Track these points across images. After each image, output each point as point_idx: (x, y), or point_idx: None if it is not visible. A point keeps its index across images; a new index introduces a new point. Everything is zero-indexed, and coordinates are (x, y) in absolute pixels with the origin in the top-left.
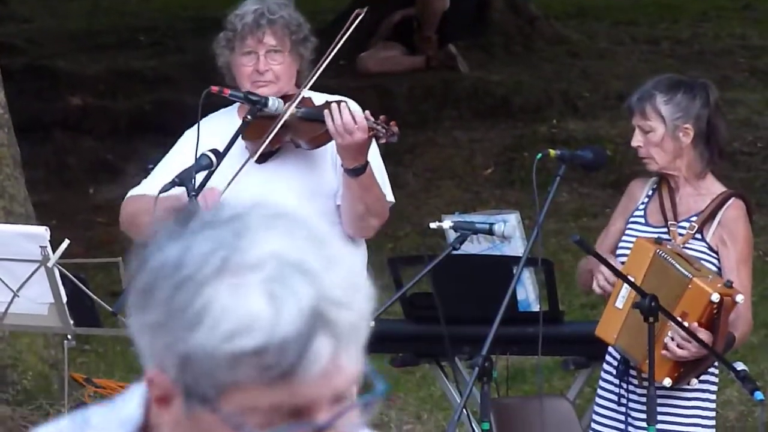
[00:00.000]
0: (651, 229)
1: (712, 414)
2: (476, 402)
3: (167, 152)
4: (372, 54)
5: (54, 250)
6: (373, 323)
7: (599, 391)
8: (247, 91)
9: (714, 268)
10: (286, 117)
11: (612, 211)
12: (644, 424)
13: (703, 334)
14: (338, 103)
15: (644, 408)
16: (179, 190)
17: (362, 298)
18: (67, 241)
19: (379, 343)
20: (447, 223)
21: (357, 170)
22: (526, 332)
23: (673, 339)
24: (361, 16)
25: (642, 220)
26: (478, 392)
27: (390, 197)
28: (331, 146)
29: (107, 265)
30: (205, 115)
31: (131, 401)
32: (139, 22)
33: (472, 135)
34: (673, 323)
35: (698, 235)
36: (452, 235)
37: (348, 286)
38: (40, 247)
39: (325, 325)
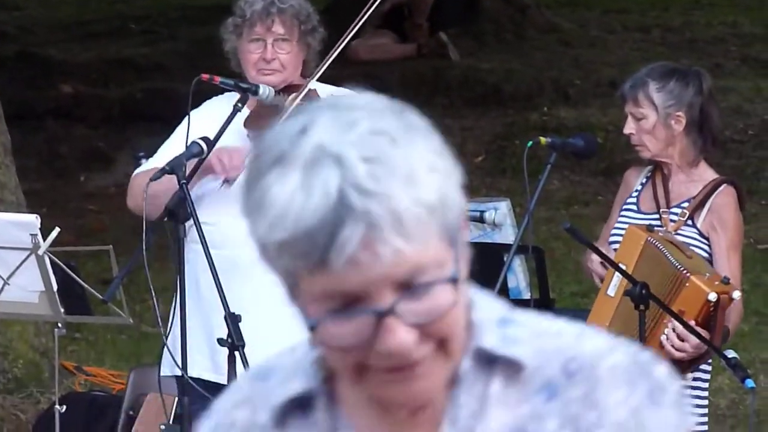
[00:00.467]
0: (643, 216)
1: (705, 402)
2: None
3: (159, 140)
4: (363, 42)
5: (45, 238)
6: None
7: None
8: (237, 78)
9: (705, 255)
10: (291, 109)
11: (603, 198)
12: None
13: (694, 341)
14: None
15: None
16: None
17: (409, 189)
18: (57, 229)
19: None
20: None
21: None
22: None
23: (668, 338)
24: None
25: (635, 207)
26: None
27: None
28: None
29: (98, 253)
30: (196, 102)
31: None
32: (131, 10)
33: (463, 123)
34: (671, 318)
35: (689, 221)
36: None
37: (386, 177)
38: (31, 235)
39: (351, 213)
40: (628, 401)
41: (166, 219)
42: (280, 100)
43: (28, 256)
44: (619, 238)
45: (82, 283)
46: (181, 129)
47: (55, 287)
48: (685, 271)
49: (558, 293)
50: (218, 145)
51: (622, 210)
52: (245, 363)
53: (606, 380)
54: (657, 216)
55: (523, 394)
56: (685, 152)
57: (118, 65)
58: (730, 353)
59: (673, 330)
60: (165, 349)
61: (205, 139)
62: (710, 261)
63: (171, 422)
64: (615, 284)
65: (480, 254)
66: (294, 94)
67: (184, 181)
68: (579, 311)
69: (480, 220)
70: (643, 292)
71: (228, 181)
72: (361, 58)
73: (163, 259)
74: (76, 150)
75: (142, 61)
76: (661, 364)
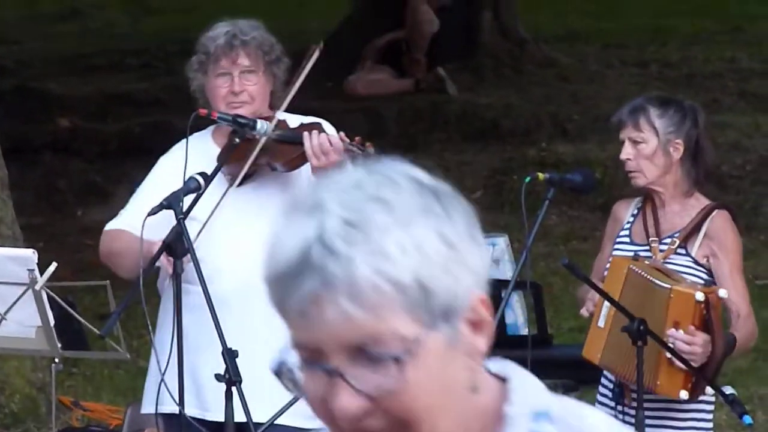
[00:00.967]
0: (635, 247)
1: None
2: None
3: None
4: (360, 76)
5: (42, 273)
6: None
7: None
8: (236, 113)
9: (701, 282)
10: (263, 140)
11: (602, 233)
12: None
13: (701, 337)
14: (313, 124)
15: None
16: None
17: (377, 261)
18: (54, 264)
19: None
20: None
21: None
22: (514, 356)
23: (675, 349)
24: (316, 54)
25: (627, 239)
26: None
27: None
28: (307, 169)
29: (95, 288)
30: None
31: None
32: (129, 45)
33: (461, 158)
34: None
35: (682, 250)
36: None
37: (358, 243)
38: (28, 270)
39: (310, 267)
40: None
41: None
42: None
43: (25, 291)
44: None
45: (80, 318)
46: (150, 178)
47: (52, 322)
48: (667, 286)
49: (556, 329)
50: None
51: (615, 244)
52: (242, 398)
53: None
54: (648, 247)
55: None
56: (679, 182)
57: (116, 99)
58: (728, 389)
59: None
60: (146, 386)
61: (202, 174)
62: (709, 286)
63: None
64: (604, 315)
65: None
66: (269, 125)
67: (182, 216)
68: (577, 346)
69: None
70: (641, 327)
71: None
72: (359, 93)
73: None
74: (73, 184)
75: (140, 95)
76: None
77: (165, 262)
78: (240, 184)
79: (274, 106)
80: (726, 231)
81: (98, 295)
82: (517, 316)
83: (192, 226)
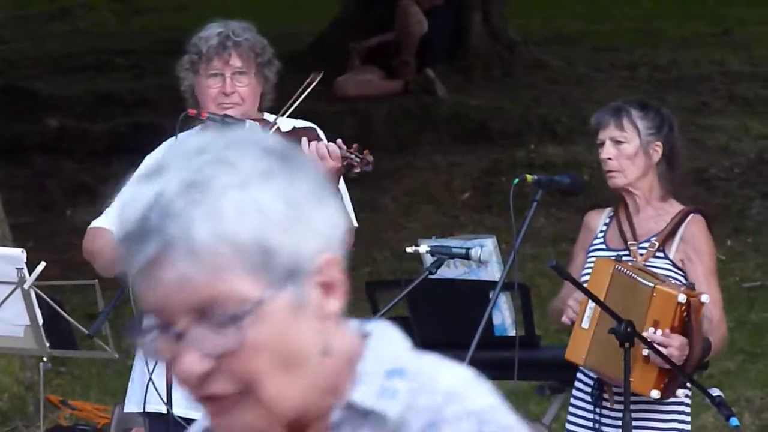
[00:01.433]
0: (611, 253)
1: None
2: None
3: None
4: (350, 78)
5: (30, 272)
6: None
7: (570, 417)
8: (225, 114)
9: (683, 284)
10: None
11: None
12: None
13: (677, 339)
14: (307, 129)
15: None
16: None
17: (215, 222)
18: (43, 264)
19: None
20: (424, 248)
21: None
22: (502, 357)
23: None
24: (316, 81)
25: (603, 246)
26: None
27: (354, 222)
28: None
29: (84, 287)
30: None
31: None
32: (118, 45)
33: (450, 159)
34: (647, 334)
35: (660, 253)
36: (429, 260)
37: (196, 204)
38: (17, 269)
39: (150, 229)
40: None
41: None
42: None
43: (13, 290)
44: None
45: (68, 317)
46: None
47: (40, 321)
48: (650, 284)
49: (544, 330)
50: None
51: (590, 252)
52: None
53: None
54: (626, 251)
55: None
56: (654, 187)
57: (104, 99)
58: (715, 391)
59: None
60: (129, 384)
61: None
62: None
63: None
64: (588, 316)
65: (466, 291)
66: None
67: None
68: (564, 348)
69: (466, 257)
70: (629, 329)
71: None
72: (348, 94)
73: None
74: (62, 184)
75: (128, 95)
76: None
77: None
78: None
79: (263, 109)
80: (700, 235)
81: (87, 294)
82: (505, 317)
83: None
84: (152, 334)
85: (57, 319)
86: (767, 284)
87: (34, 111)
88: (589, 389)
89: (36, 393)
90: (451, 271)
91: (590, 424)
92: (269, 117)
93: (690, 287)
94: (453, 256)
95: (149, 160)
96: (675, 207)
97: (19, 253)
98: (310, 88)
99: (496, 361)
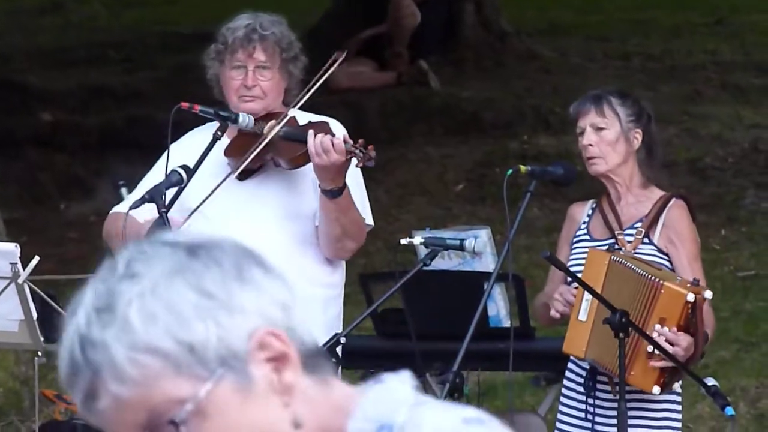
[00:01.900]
0: (597, 243)
1: (680, 425)
2: None
3: (139, 168)
4: (343, 69)
5: (24, 267)
6: (344, 340)
7: (562, 407)
8: (217, 107)
9: (666, 270)
10: (271, 136)
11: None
12: None
13: (686, 340)
14: (320, 123)
15: (612, 422)
16: (148, 212)
17: (126, 335)
18: (37, 258)
19: (351, 359)
20: (418, 239)
21: (334, 192)
22: (497, 348)
23: (654, 352)
24: (340, 60)
25: (587, 237)
26: None
27: (369, 221)
28: (312, 167)
29: (78, 281)
30: (175, 130)
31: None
32: (110, 38)
33: (444, 151)
34: (654, 329)
35: (646, 240)
36: (423, 251)
37: (108, 325)
38: (11, 263)
39: (78, 363)
40: None
41: None
42: (260, 128)
43: (8, 285)
44: (580, 268)
45: (62, 311)
46: (161, 162)
47: (35, 316)
48: (657, 280)
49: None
50: (197, 175)
51: (574, 244)
52: None
53: None
54: (613, 240)
55: None
56: (635, 174)
57: (97, 93)
58: (710, 381)
59: (660, 334)
60: None
61: (184, 167)
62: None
63: None
64: (585, 309)
65: (460, 282)
66: (273, 121)
67: (164, 210)
68: (559, 339)
69: (460, 248)
70: (623, 320)
71: None
72: (341, 86)
73: None
74: (56, 178)
75: (121, 88)
76: None
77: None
78: (245, 179)
79: (288, 104)
80: (681, 220)
81: (81, 288)
82: (500, 308)
83: (198, 220)
84: None
85: (51, 314)
86: (761, 273)
87: (27, 105)
88: (580, 380)
89: (31, 388)
90: (445, 262)
91: (582, 414)
92: (293, 113)
93: (694, 283)
94: (447, 248)
95: (174, 149)
96: (656, 193)
97: (12, 248)
98: (333, 68)
99: (491, 353)
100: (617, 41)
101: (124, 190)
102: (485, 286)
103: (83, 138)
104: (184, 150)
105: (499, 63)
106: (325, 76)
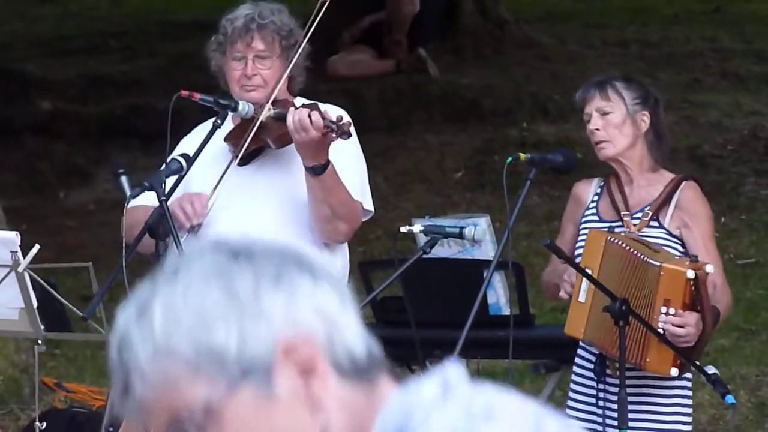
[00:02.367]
0: (606, 224)
1: (690, 411)
2: None
3: (138, 156)
4: (342, 57)
5: (24, 255)
6: None
7: (572, 394)
8: (217, 95)
9: (676, 253)
10: (261, 118)
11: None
12: None
13: (693, 317)
14: (309, 105)
15: None
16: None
17: (150, 336)
18: (37, 246)
19: None
20: (417, 227)
21: (316, 169)
22: (496, 336)
23: (666, 329)
24: (327, 3)
25: (596, 218)
26: None
27: (368, 205)
28: None
29: (78, 269)
30: (177, 118)
31: None
32: (110, 27)
33: (443, 138)
34: (659, 312)
35: (654, 222)
36: (423, 239)
37: (139, 326)
38: (11, 251)
39: (116, 365)
40: None
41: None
42: (260, 114)
43: (8, 273)
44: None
45: (62, 299)
46: (175, 154)
47: (35, 304)
48: (655, 262)
49: (538, 309)
50: (197, 162)
51: (582, 223)
52: None
53: None
54: (620, 222)
55: None
56: (644, 157)
57: (96, 81)
58: (711, 369)
59: (668, 315)
60: None
61: (184, 155)
62: (684, 257)
63: None
64: (584, 290)
65: (460, 270)
66: (267, 105)
67: (164, 198)
68: (559, 326)
69: (459, 236)
70: (623, 308)
71: (193, 229)
72: (340, 74)
73: (142, 276)
74: (55, 166)
75: (120, 77)
76: None
77: (182, 217)
78: (245, 164)
79: (293, 92)
80: (696, 201)
81: (81, 276)
82: (499, 296)
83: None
84: None
85: (51, 302)
86: (761, 261)
87: (26, 93)
88: (590, 365)
89: (31, 375)
90: (444, 250)
91: (593, 400)
92: (299, 100)
93: (693, 259)
94: (447, 236)
95: (185, 141)
96: (666, 176)
97: (12, 236)
98: (321, 14)
99: (490, 341)
100: (616, 28)
101: (123, 179)
102: (485, 274)
103: (83, 126)
104: (194, 143)
105: (497, 50)
106: (314, 25)
